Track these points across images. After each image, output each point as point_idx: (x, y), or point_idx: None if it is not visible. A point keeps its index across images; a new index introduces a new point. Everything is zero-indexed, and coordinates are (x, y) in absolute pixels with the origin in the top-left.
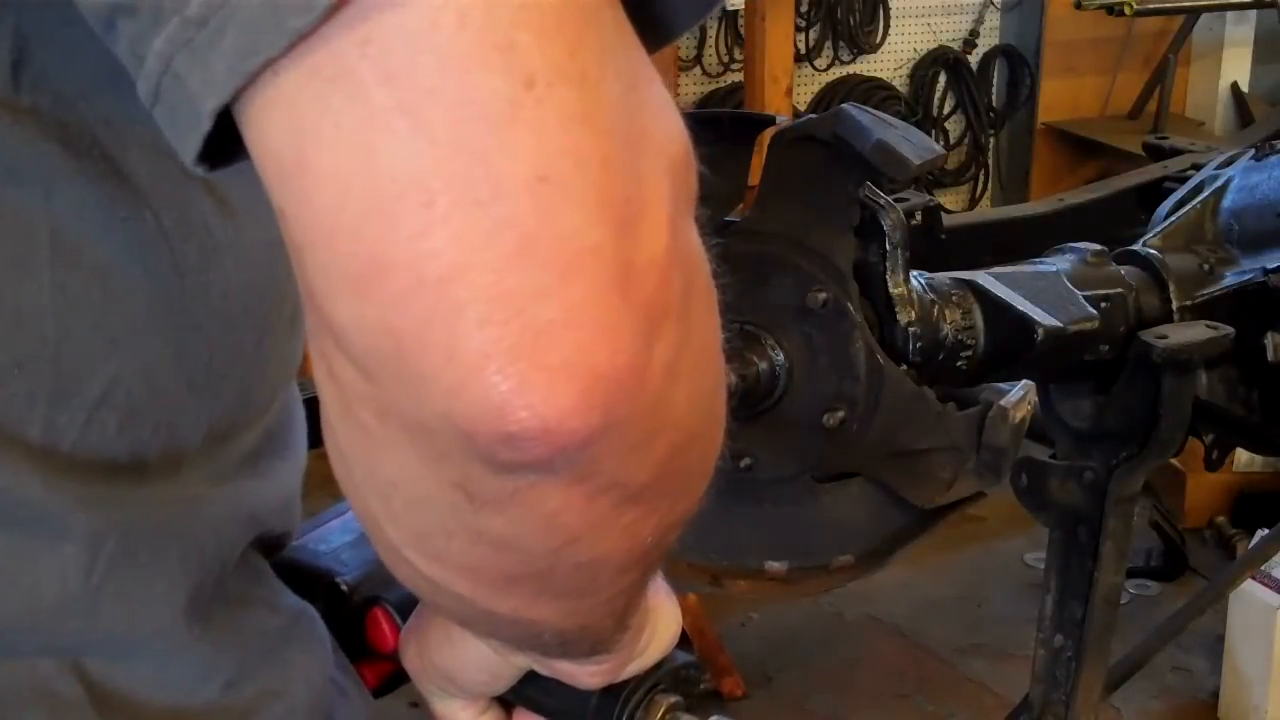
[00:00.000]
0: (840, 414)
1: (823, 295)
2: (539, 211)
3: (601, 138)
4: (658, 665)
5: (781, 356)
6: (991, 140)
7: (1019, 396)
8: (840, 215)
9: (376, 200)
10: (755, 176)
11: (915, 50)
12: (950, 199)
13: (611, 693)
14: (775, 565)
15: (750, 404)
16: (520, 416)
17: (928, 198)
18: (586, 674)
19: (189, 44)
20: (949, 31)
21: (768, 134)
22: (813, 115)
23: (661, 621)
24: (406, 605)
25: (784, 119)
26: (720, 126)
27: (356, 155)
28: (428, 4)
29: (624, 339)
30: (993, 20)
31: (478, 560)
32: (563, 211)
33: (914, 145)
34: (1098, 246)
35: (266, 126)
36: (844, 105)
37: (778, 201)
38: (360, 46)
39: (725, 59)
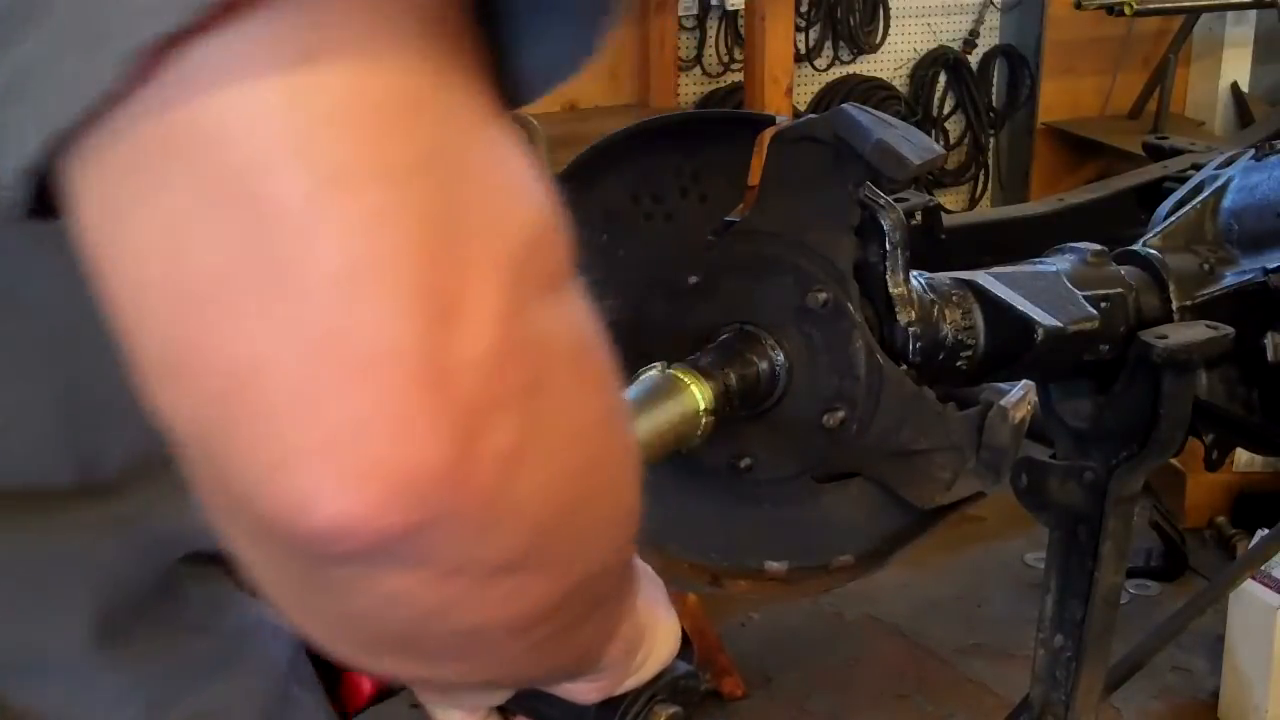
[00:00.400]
0: (840, 414)
1: (823, 295)
2: (340, 310)
3: (411, 233)
4: (657, 676)
5: (781, 356)
6: (991, 140)
7: (1019, 397)
8: (840, 215)
9: (182, 293)
10: (755, 177)
11: (915, 50)
12: (950, 199)
13: (611, 704)
14: (775, 565)
15: (750, 404)
16: (319, 517)
17: (928, 198)
18: (582, 691)
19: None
20: (949, 31)
21: (768, 134)
22: (813, 115)
23: (659, 635)
24: None
25: (784, 119)
26: (720, 126)
27: (162, 245)
28: (231, 94)
29: (434, 437)
30: (993, 20)
31: (342, 628)
32: (366, 310)
33: (914, 145)
34: (1098, 246)
35: (78, 197)
36: (844, 105)
37: (777, 202)
38: (163, 133)
39: (725, 59)
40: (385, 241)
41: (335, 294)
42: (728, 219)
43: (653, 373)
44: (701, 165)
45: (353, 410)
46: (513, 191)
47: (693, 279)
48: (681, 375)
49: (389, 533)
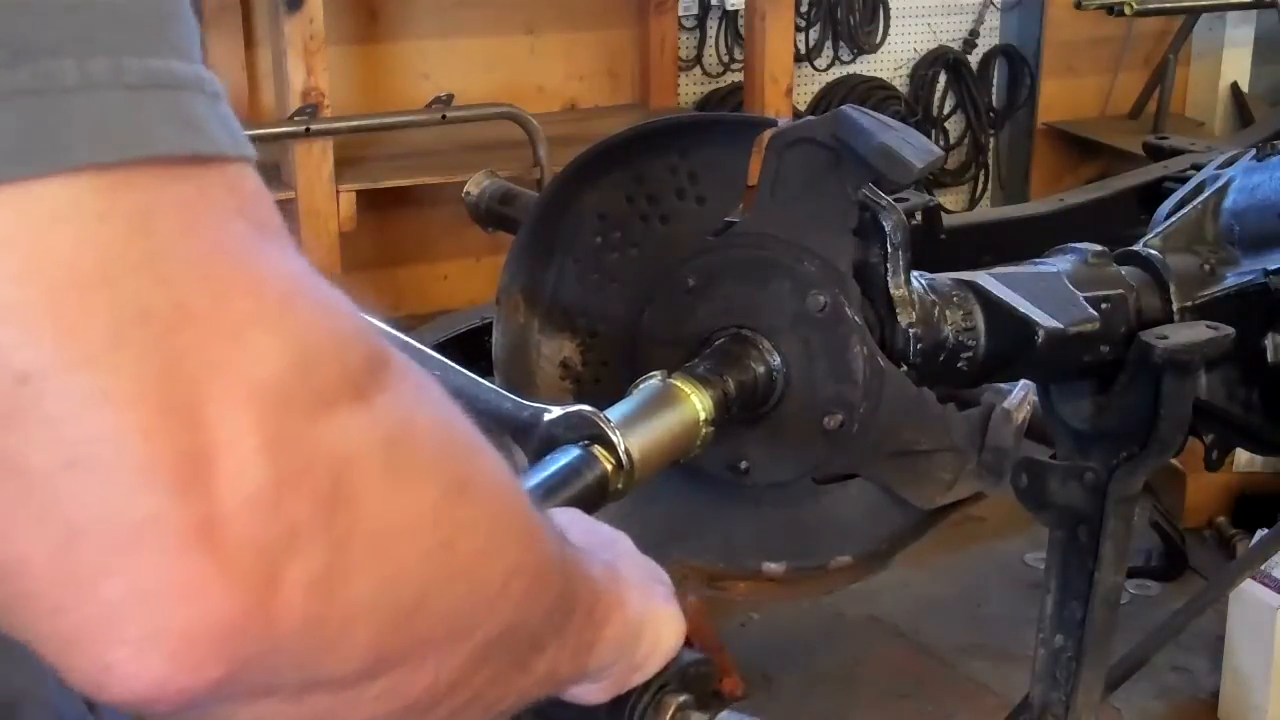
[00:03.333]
0: (839, 416)
1: (821, 299)
2: (75, 498)
3: (130, 407)
4: (665, 666)
5: (778, 360)
6: (991, 140)
7: (1020, 398)
8: (840, 217)
9: None
10: (755, 178)
11: (915, 50)
12: (950, 199)
13: (621, 699)
14: (774, 566)
15: (748, 408)
16: (120, 687)
17: (928, 198)
18: (588, 693)
19: None
20: (949, 31)
21: (767, 135)
22: (812, 117)
23: (664, 628)
24: None
25: (784, 120)
26: (718, 128)
27: None
28: None
29: (219, 589)
30: (993, 20)
31: None
32: (101, 491)
33: (915, 148)
34: (1098, 247)
35: None
36: (844, 107)
37: (777, 203)
38: None
39: (725, 59)
40: (104, 422)
41: (65, 485)
42: (727, 220)
43: (653, 382)
44: (699, 167)
45: (115, 590)
46: (261, 323)
47: (690, 281)
48: (681, 385)
49: (197, 688)
